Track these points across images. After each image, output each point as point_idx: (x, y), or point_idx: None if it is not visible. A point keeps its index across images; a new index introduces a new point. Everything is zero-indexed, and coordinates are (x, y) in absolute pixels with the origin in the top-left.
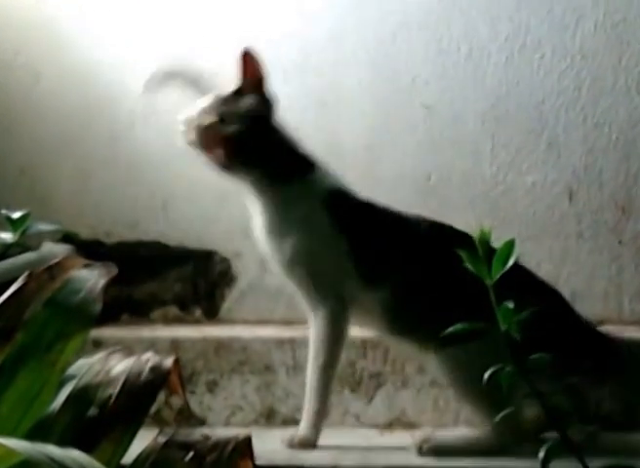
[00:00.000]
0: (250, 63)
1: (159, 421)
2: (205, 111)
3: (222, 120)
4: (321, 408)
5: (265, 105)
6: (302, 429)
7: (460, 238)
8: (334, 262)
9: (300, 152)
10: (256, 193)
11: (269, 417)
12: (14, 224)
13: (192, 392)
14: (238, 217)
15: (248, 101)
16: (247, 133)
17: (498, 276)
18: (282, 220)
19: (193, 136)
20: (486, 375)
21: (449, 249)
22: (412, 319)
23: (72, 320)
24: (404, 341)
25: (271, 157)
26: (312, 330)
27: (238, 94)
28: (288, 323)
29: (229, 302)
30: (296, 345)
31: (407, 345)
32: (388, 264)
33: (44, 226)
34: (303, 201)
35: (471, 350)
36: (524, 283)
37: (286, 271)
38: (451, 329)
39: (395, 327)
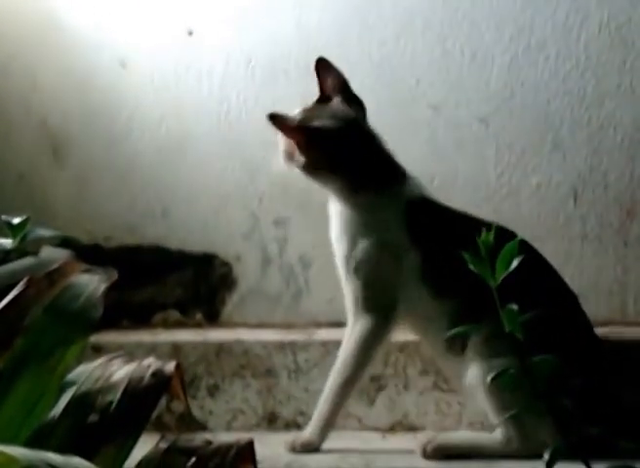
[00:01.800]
0: (327, 70)
1: (160, 426)
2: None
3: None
4: (332, 416)
5: (355, 108)
6: (308, 432)
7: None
8: (397, 276)
9: (389, 160)
10: (339, 199)
11: (271, 421)
12: (13, 230)
13: (193, 396)
14: (238, 221)
15: (336, 104)
16: (336, 131)
17: (501, 277)
18: (359, 225)
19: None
20: (489, 378)
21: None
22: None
23: (72, 325)
24: (454, 351)
25: (360, 163)
26: (349, 338)
27: (323, 101)
28: (289, 326)
29: (230, 306)
30: (297, 349)
31: (451, 353)
32: (459, 278)
33: (44, 232)
34: (385, 209)
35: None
36: (538, 284)
37: (347, 274)
38: (454, 330)
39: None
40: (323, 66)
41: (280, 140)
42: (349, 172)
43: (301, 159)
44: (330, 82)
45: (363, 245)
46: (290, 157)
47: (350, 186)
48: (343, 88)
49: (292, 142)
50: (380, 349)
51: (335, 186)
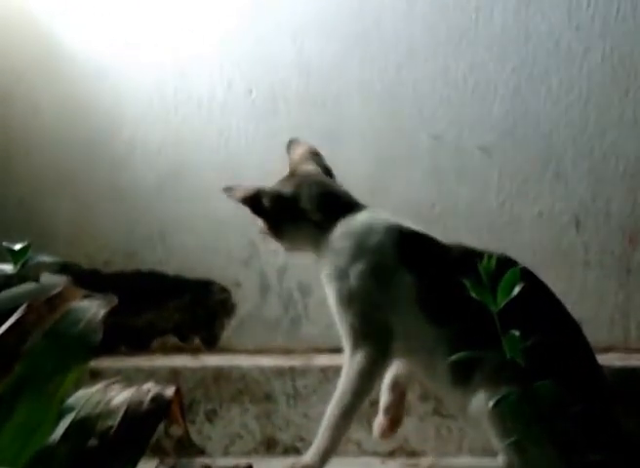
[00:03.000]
0: (296, 147)
1: (158, 451)
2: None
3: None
4: (333, 443)
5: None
6: (308, 457)
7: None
8: (389, 301)
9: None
10: (313, 248)
11: (269, 447)
12: (15, 256)
13: (191, 421)
14: (237, 247)
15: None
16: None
17: (503, 304)
18: (344, 258)
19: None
20: (490, 403)
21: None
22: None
23: (72, 351)
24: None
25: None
26: (348, 369)
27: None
28: (287, 352)
29: (228, 331)
30: (295, 374)
31: (456, 382)
32: (456, 304)
33: (45, 258)
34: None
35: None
36: (538, 308)
37: (342, 308)
38: (461, 354)
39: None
40: (293, 145)
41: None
42: (307, 224)
43: (261, 224)
44: (296, 156)
45: (353, 274)
46: (262, 230)
47: (315, 233)
48: (310, 157)
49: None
50: (380, 379)
51: (303, 244)
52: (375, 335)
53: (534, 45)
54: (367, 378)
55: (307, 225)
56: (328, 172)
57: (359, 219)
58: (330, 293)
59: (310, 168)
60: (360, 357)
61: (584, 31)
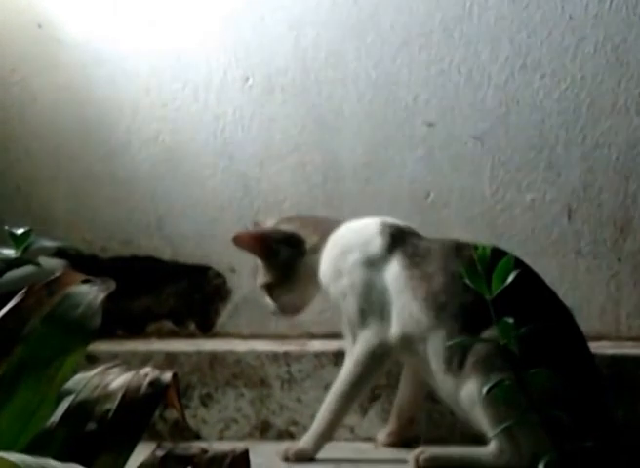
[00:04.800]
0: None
1: (154, 435)
2: None
3: None
4: (329, 429)
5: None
6: (303, 441)
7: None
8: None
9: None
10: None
11: (264, 431)
12: (16, 240)
13: (187, 406)
14: (232, 233)
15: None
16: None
17: (497, 291)
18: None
19: None
20: (484, 390)
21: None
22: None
23: (71, 335)
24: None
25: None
26: (350, 356)
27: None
28: (282, 337)
29: (224, 317)
30: (290, 359)
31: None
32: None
33: (46, 242)
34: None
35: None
36: (531, 296)
37: (342, 301)
38: (452, 342)
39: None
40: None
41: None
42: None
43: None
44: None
45: (346, 270)
46: (268, 284)
47: (311, 260)
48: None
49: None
50: (382, 368)
51: (305, 273)
52: (372, 326)
53: (527, 35)
54: (366, 368)
55: (303, 256)
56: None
57: (343, 227)
58: (331, 295)
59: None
60: (359, 347)
61: (578, 21)
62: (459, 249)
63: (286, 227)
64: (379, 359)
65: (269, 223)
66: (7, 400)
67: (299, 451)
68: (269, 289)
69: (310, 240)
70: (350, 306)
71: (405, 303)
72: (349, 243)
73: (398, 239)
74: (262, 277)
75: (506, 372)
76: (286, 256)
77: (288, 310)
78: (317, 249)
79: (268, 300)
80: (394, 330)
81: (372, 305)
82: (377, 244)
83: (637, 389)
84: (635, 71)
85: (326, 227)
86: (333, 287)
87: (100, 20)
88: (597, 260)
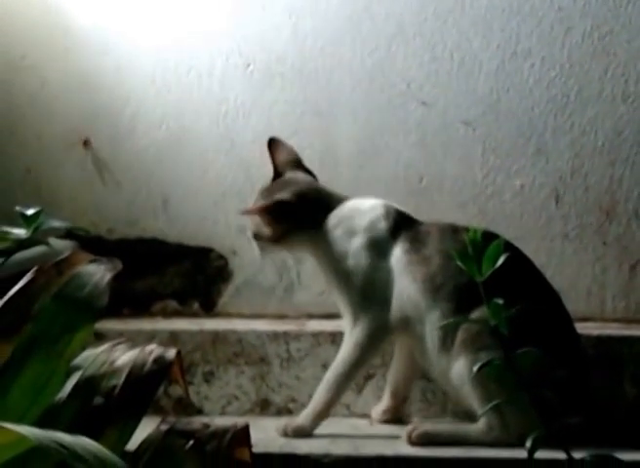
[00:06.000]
0: (279, 148)
1: (158, 410)
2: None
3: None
4: (327, 406)
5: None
6: (302, 418)
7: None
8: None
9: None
10: (311, 248)
11: (263, 407)
12: (27, 221)
13: (190, 382)
14: (234, 217)
15: (289, 176)
16: (294, 200)
17: (488, 273)
18: (341, 238)
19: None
20: (475, 368)
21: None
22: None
23: (79, 313)
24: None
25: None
26: (349, 337)
27: (277, 177)
28: (281, 317)
29: (226, 297)
30: (289, 338)
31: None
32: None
33: (56, 223)
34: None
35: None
36: (520, 278)
37: (341, 285)
38: (446, 322)
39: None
40: (276, 145)
41: (248, 225)
42: (308, 226)
43: (269, 231)
44: (282, 159)
45: (350, 253)
46: (258, 234)
47: (313, 233)
48: (296, 162)
49: (258, 221)
50: (380, 349)
51: (301, 243)
52: (373, 308)
53: (517, 23)
54: (365, 350)
55: (308, 229)
56: (314, 176)
57: (347, 206)
58: (331, 277)
59: (302, 176)
60: (360, 329)
61: (566, 11)
62: (454, 232)
63: (291, 194)
64: (378, 341)
65: (288, 174)
66: (18, 375)
67: (297, 427)
68: (258, 237)
69: (315, 217)
70: (353, 288)
71: (404, 286)
72: (354, 225)
73: (401, 223)
74: (256, 228)
75: (495, 351)
76: (288, 225)
77: (265, 254)
78: (319, 223)
79: (253, 243)
80: (394, 312)
81: (374, 288)
82: (381, 228)
83: (621, 368)
84: (621, 60)
85: (330, 202)
86: (334, 267)
87: (108, 9)
88: (583, 244)
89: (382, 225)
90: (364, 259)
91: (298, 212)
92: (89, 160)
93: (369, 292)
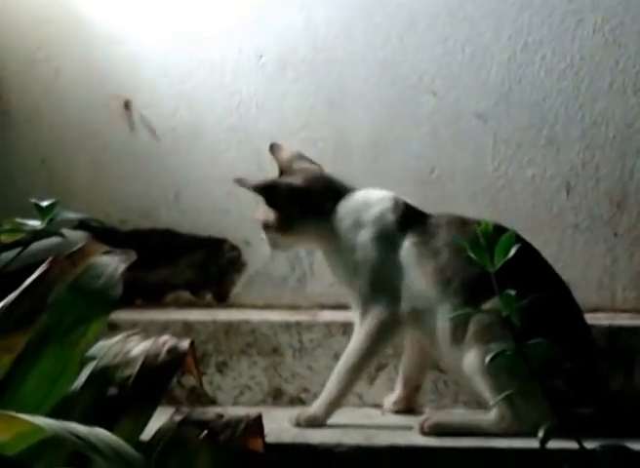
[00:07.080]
0: (280, 151)
1: (171, 400)
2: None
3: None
4: (339, 396)
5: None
6: (314, 408)
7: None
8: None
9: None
10: (319, 235)
11: (276, 397)
12: (42, 212)
13: (203, 373)
14: (247, 208)
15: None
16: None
17: (500, 264)
18: (348, 232)
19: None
20: (487, 359)
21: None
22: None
23: (94, 303)
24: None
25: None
26: (360, 327)
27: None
28: (294, 308)
29: (239, 288)
30: (301, 329)
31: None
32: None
33: (71, 214)
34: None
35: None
36: (531, 271)
37: (352, 276)
38: (456, 313)
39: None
40: (277, 148)
41: (257, 216)
42: (316, 213)
43: (273, 217)
44: (285, 157)
45: (359, 245)
46: (267, 224)
47: (321, 223)
48: (300, 156)
49: (266, 210)
50: (391, 341)
51: (309, 233)
52: (383, 300)
53: (529, 16)
54: (376, 340)
55: (315, 217)
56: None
57: (355, 197)
58: (339, 269)
59: (308, 165)
60: (370, 320)
61: (577, 3)
62: (463, 224)
63: (302, 180)
64: (389, 332)
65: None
66: (33, 365)
67: (310, 417)
68: (267, 227)
69: (323, 204)
70: (362, 280)
71: (414, 279)
72: (362, 218)
73: (409, 216)
74: (264, 215)
75: (506, 342)
76: (297, 213)
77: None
78: (327, 212)
79: (262, 233)
80: (404, 304)
81: (383, 280)
82: (390, 220)
83: (632, 358)
84: (632, 52)
85: (338, 191)
86: (343, 259)
87: (123, 2)
88: (594, 235)
89: (391, 218)
90: (372, 252)
91: (305, 197)
92: (102, 149)
93: (378, 285)
